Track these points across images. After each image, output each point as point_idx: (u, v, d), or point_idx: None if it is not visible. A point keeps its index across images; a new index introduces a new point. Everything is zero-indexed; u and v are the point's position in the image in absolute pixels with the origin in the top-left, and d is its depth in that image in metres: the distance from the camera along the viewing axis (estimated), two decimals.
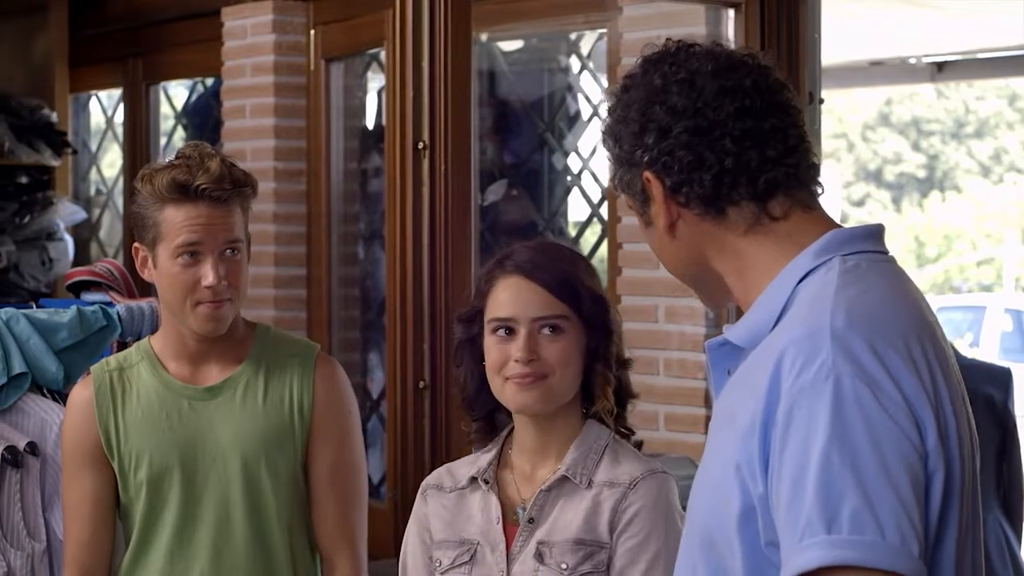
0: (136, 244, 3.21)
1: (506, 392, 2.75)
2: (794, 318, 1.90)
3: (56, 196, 7.43)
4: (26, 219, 7.29)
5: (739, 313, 2.05)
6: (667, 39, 2.08)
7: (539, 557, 2.71)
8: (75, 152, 7.85)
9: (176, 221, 3.12)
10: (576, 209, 6.43)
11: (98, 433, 3.23)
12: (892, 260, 2.02)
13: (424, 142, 4.52)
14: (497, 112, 6.46)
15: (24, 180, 7.45)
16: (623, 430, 2.84)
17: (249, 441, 3.20)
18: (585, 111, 6.34)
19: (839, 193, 25.41)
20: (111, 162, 8.50)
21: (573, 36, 6.37)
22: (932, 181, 28.94)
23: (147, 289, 3.51)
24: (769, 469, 1.83)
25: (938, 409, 1.84)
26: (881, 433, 1.78)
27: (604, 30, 5.66)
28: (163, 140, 7.75)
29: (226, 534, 3.20)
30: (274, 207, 6.44)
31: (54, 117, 7.49)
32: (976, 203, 27.83)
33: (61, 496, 3.39)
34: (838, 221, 2.04)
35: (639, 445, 2.87)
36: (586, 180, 6.22)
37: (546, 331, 2.73)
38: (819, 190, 2.05)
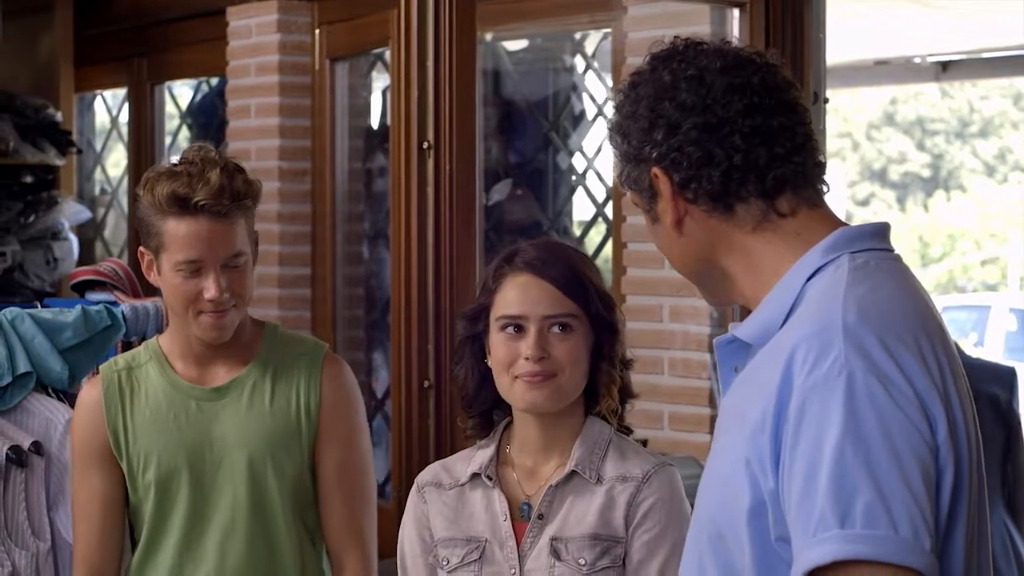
0: (141, 248, 3.20)
1: (515, 391, 2.75)
2: (804, 315, 1.91)
3: (61, 195, 7.43)
4: (31, 218, 7.29)
5: (744, 312, 2.06)
6: (675, 36, 2.09)
7: (555, 553, 2.71)
8: (80, 151, 7.86)
9: (177, 235, 3.09)
10: (581, 208, 6.44)
11: (106, 433, 3.22)
12: (899, 258, 2.02)
13: (429, 142, 4.52)
14: (502, 112, 6.46)
15: (29, 179, 7.45)
16: (622, 428, 2.85)
17: (255, 442, 3.19)
18: (590, 111, 6.34)
19: (844, 192, 25.40)
20: (116, 161, 8.51)
21: (578, 36, 6.37)
22: (937, 180, 28.92)
23: (152, 289, 3.51)
24: (780, 464, 1.83)
25: (947, 404, 1.85)
26: (894, 428, 1.79)
27: (609, 30, 5.67)
28: (168, 139, 7.76)
29: (233, 535, 3.19)
30: (279, 207, 6.44)
31: (59, 116, 7.49)
32: (980, 202, 27.80)
33: (70, 496, 3.40)
34: (843, 220, 2.05)
35: (644, 444, 2.87)
36: (591, 180, 6.22)
37: (556, 329, 2.73)
38: (824, 188, 2.06)
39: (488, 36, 6.14)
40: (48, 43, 7.73)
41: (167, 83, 7.73)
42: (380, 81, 6.66)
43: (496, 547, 2.75)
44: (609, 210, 5.82)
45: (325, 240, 6.46)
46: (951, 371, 1.89)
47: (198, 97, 7.71)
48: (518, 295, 2.75)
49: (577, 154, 6.36)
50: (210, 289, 3.10)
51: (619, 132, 2.07)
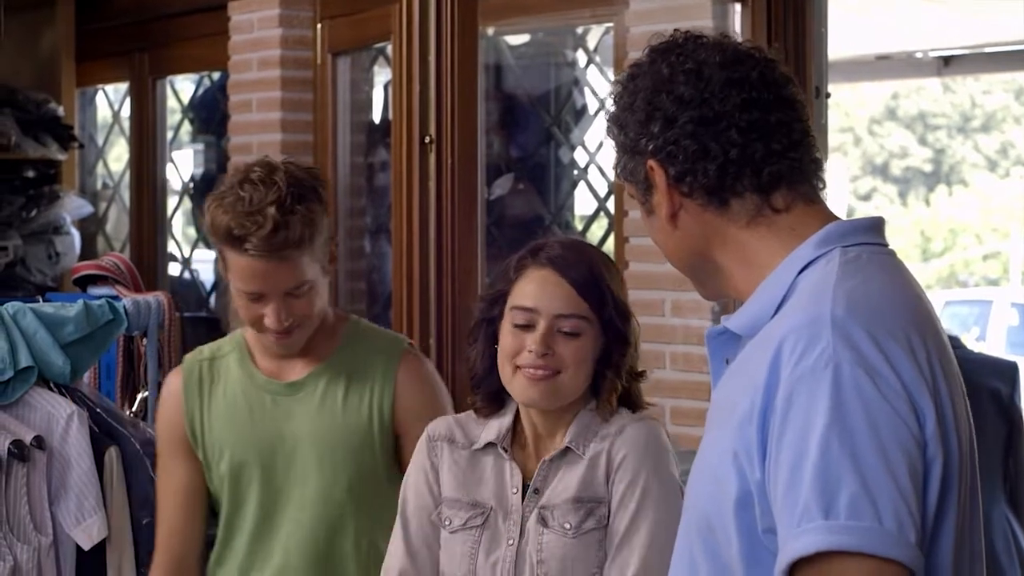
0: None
1: (516, 383, 2.76)
2: (794, 307, 1.91)
3: (63, 190, 7.43)
4: (33, 213, 7.29)
5: (739, 307, 2.06)
6: (675, 29, 2.09)
7: (543, 521, 2.73)
8: (82, 146, 7.85)
9: (236, 266, 3.04)
10: (583, 203, 6.43)
11: (184, 422, 3.20)
12: (892, 253, 2.03)
13: (431, 136, 4.53)
14: (503, 106, 6.45)
15: (31, 174, 7.45)
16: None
17: (325, 441, 3.13)
18: (592, 105, 6.33)
19: (846, 187, 25.40)
20: (118, 156, 8.51)
21: (580, 30, 6.36)
22: (938, 175, 28.92)
23: (154, 283, 3.51)
24: (767, 455, 1.83)
25: (937, 399, 1.84)
26: (880, 420, 1.79)
27: (611, 24, 5.65)
28: (170, 134, 7.76)
29: (297, 534, 3.15)
30: None
31: (61, 111, 7.49)
32: (982, 197, 27.79)
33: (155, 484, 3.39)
34: (845, 215, 2.04)
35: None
36: (593, 174, 6.21)
37: (564, 330, 2.74)
38: (821, 185, 2.05)
39: (490, 31, 6.13)
40: (50, 38, 7.73)
41: (169, 78, 7.73)
42: (382, 76, 6.66)
43: (500, 517, 2.77)
44: (611, 205, 5.81)
45: None
46: (942, 366, 1.88)
47: (200, 92, 7.71)
48: (535, 288, 2.76)
49: (579, 148, 6.35)
50: (269, 318, 3.06)
51: (616, 124, 2.07)
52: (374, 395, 3.16)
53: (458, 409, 3.09)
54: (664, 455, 2.75)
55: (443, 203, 4.57)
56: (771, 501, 1.82)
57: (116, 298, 3.99)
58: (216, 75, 7.43)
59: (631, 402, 2.85)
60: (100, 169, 8.31)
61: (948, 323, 13.85)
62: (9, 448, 3.58)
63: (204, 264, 7.74)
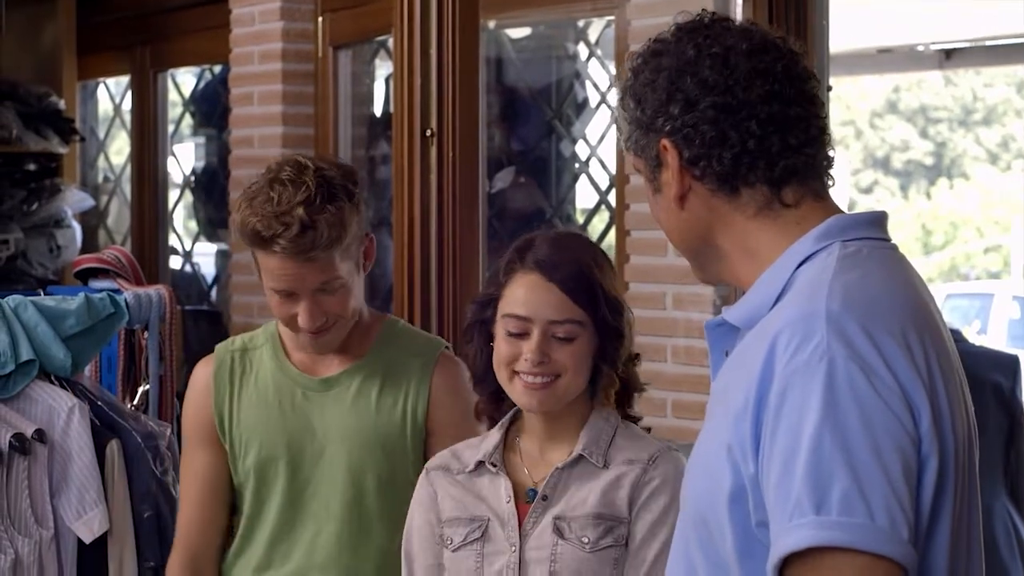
0: None
1: (514, 389, 2.75)
2: (791, 300, 1.91)
3: (64, 183, 7.43)
4: (34, 206, 7.30)
5: (740, 296, 2.06)
6: (703, 9, 2.07)
7: (558, 532, 2.71)
8: (83, 139, 7.86)
9: (265, 265, 3.02)
10: (584, 196, 6.42)
11: (212, 413, 3.17)
12: (894, 247, 2.02)
13: (432, 129, 4.52)
14: (505, 99, 6.46)
15: (32, 167, 7.46)
16: (629, 417, 2.85)
17: (355, 440, 3.10)
18: (593, 98, 6.33)
19: (847, 180, 25.38)
20: (119, 149, 8.51)
21: (581, 23, 6.36)
22: (940, 168, 28.89)
23: (155, 276, 3.50)
24: (760, 450, 1.83)
25: (933, 395, 1.84)
26: (873, 416, 1.78)
27: (612, 17, 5.65)
28: (171, 127, 7.76)
29: (322, 534, 3.11)
30: None
31: (62, 104, 7.49)
32: (984, 190, 27.76)
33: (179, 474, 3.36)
34: (846, 208, 2.04)
35: (648, 431, 2.88)
36: (594, 167, 6.21)
37: (559, 335, 2.73)
38: (831, 182, 2.05)
39: (491, 24, 6.13)
40: (51, 31, 7.73)
41: (170, 71, 7.73)
42: (383, 69, 6.66)
43: (497, 525, 2.76)
44: (612, 198, 5.82)
45: None
46: (939, 363, 1.87)
47: (201, 85, 7.72)
48: (525, 295, 2.73)
49: (580, 142, 6.35)
50: (303, 317, 3.03)
51: (634, 97, 2.05)
52: (408, 397, 3.12)
53: None
54: None
55: (444, 196, 4.56)
56: (764, 495, 1.82)
57: (117, 291, 3.99)
58: (217, 68, 7.43)
59: (629, 386, 2.84)
60: (101, 162, 8.31)
61: (949, 316, 13.83)
62: (10, 441, 3.58)
63: (205, 257, 7.75)
